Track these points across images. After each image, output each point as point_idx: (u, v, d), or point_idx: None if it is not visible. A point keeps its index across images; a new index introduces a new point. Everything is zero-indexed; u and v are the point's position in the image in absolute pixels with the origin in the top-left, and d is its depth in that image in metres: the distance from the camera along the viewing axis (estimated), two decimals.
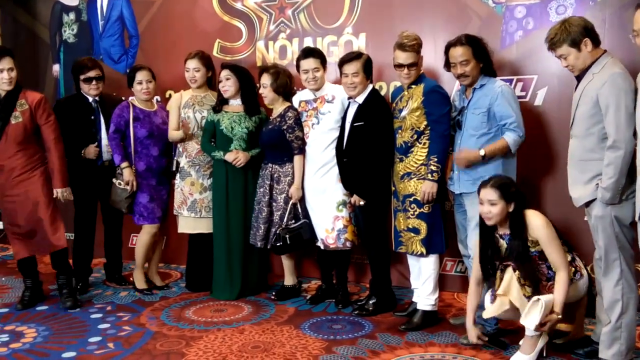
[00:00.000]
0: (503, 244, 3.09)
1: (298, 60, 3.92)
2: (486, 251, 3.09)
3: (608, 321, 2.82)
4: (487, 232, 3.09)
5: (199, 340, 3.47)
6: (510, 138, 3.22)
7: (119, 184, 4.17)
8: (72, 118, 4.24)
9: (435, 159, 3.42)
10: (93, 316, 3.93)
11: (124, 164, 4.15)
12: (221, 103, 4.15)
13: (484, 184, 3.04)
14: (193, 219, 4.27)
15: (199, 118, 4.23)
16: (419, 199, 3.48)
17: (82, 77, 4.24)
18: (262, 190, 4.07)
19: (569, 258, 3.04)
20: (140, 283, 4.40)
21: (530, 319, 2.92)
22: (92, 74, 4.23)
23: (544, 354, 3.10)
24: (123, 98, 4.40)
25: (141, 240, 4.35)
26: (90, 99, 4.30)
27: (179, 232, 4.43)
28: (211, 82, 4.34)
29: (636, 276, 2.83)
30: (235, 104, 4.16)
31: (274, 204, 4.03)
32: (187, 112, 4.25)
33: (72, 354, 3.32)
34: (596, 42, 2.79)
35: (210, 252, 4.27)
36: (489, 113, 3.26)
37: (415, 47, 3.46)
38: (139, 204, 4.24)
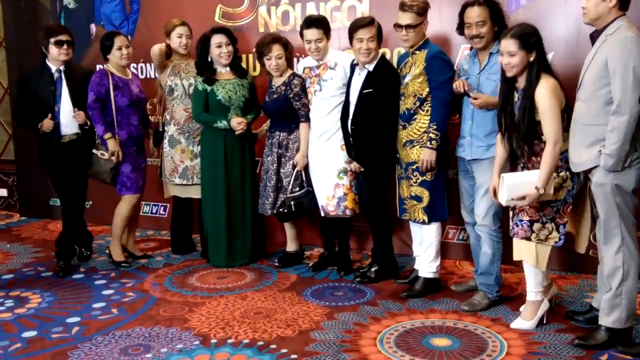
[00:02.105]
0: (516, 97, 3.00)
1: (301, 29, 3.85)
2: (506, 102, 2.99)
3: (609, 288, 2.81)
4: (508, 83, 2.99)
5: (202, 306, 3.50)
6: None
7: (102, 154, 4.03)
8: (35, 91, 4.03)
9: (435, 127, 3.38)
10: (97, 282, 3.97)
11: (108, 135, 4.01)
12: (209, 72, 4.06)
13: (504, 34, 2.93)
14: (183, 186, 4.29)
15: (186, 85, 4.20)
16: None
17: (53, 39, 3.98)
18: (270, 159, 4.04)
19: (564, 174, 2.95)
20: (117, 255, 4.30)
21: (500, 195, 2.98)
22: (63, 37, 4.02)
23: (544, 321, 3.12)
24: (99, 66, 4.18)
25: (121, 210, 4.21)
26: (54, 69, 4.05)
27: (166, 197, 4.47)
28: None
29: (638, 243, 2.81)
30: (225, 71, 4.10)
31: (282, 171, 4.02)
32: (174, 79, 4.22)
33: (76, 319, 3.36)
34: (624, 5, 2.72)
35: (194, 217, 4.47)
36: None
37: (414, 8, 3.38)
38: (122, 174, 4.12)
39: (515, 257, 3.07)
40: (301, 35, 3.85)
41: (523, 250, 3.03)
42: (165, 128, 4.31)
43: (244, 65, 4.44)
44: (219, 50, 4.00)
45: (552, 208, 2.95)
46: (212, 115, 4.04)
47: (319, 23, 3.80)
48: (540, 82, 2.86)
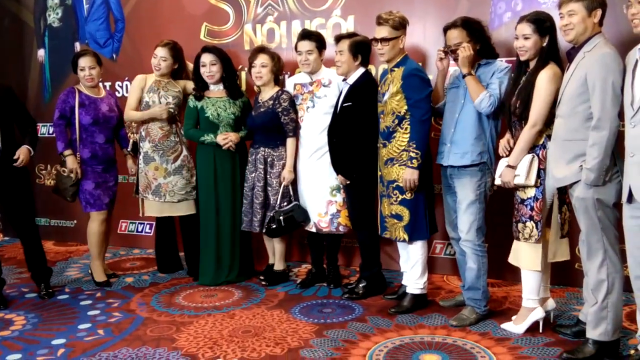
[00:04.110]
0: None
1: (296, 41, 3.93)
2: (516, 86, 3.09)
3: (594, 301, 2.83)
4: (519, 68, 3.11)
5: (190, 325, 3.47)
6: (486, 94, 3.17)
7: (63, 171, 4.06)
8: None
9: (414, 145, 3.37)
10: (82, 303, 3.92)
11: (67, 152, 4.03)
12: (201, 89, 4.09)
13: (520, 19, 3.04)
14: (157, 202, 4.26)
15: (164, 103, 4.18)
16: (401, 185, 3.45)
17: None
18: (254, 175, 4.03)
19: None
20: (98, 275, 4.27)
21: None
22: None
23: (540, 330, 3.18)
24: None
25: (91, 228, 4.21)
26: None
27: (144, 215, 4.44)
28: (178, 74, 4.29)
29: (621, 256, 2.84)
30: (217, 89, 4.12)
31: (269, 188, 4.00)
32: (152, 96, 4.18)
33: (61, 340, 3.32)
34: (601, 21, 2.78)
35: (177, 235, 4.48)
36: (487, 87, 3.25)
37: (388, 21, 3.40)
38: (85, 191, 4.11)
39: (510, 260, 3.19)
40: (296, 48, 3.92)
41: (513, 255, 3.16)
42: (140, 144, 4.27)
43: None
44: (203, 69, 4.03)
45: (526, 207, 3.05)
46: (201, 131, 4.05)
47: (311, 36, 3.89)
48: (545, 68, 2.96)
